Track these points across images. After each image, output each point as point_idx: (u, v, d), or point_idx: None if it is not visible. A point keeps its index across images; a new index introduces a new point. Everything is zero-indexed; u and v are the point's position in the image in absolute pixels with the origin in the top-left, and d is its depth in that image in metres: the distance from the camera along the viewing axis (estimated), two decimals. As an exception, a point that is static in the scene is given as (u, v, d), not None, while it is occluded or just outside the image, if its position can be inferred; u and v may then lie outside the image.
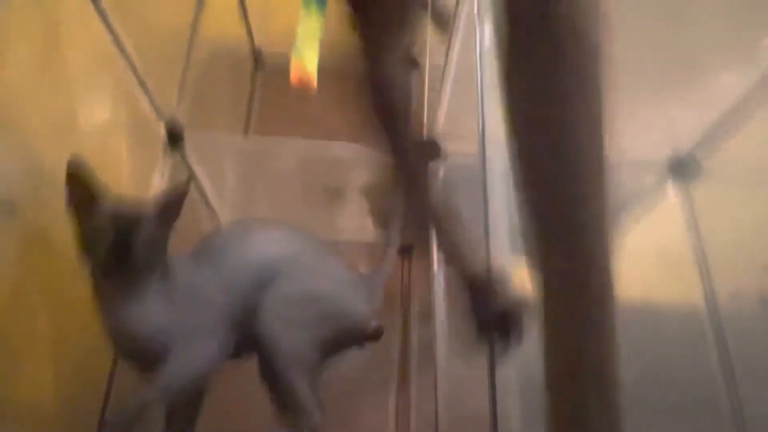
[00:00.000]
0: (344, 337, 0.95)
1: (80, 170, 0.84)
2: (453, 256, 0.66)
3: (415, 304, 1.38)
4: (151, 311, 0.86)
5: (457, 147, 1.38)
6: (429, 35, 1.38)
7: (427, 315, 1.25)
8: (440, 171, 1.39)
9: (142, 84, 1.18)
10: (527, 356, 1.02)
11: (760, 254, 1.15)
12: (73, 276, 1.00)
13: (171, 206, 0.87)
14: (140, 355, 0.90)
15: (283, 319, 0.86)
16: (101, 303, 0.88)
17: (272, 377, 0.88)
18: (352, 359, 1.22)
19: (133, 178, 1.24)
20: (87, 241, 0.84)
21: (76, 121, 1.00)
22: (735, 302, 1.22)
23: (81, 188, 0.85)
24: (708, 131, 1.24)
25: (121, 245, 0.82)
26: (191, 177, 0.92)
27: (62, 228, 0.97)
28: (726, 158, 1.26)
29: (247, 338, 0.89)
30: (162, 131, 1.31)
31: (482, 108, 1.11)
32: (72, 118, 0.99)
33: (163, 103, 1.28)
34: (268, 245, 0.92)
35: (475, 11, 1.03)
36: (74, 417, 1.02)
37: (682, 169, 1.32)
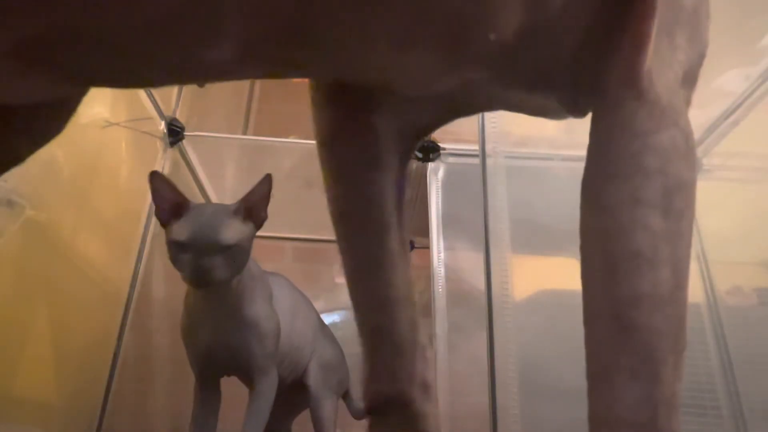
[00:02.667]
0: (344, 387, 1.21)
1: (161, 183, 0.87)
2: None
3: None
4: (262, 312, 0.94)
5: (457, 147, 1.38)
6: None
7: (427, 312, 1.25)
8: (440, 171, 1.40)
9: (142, 83, 1.18)
10: (527, 355, 1.02)
11: (759, 250, 1.16)
12: (73, 272, 1.01)
13: (258, 204, 0.91)
14: (250, 355, 0.94)
15: (326, 383, 1.10)
16: (204, 308, 0.91)
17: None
18: (353, 358, 1.23)
19: (134, 176, 1.24)
20: (175, 253, 0.84)
21: (77, 118, 1.00)
22: (734, 297, 1.23)
23: (166, 201, 0.86)
24: (708, 130, 1.24)
25: (204, 264, 0.83)
26: (270, 176, 0.94)
27: (62, 225, 0.97)
28: (725, 157, 1.26)
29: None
30: (162, 130, 1.31)
31: (482, 107, 1.11)
32: (74, 115, 0.98)
33: (163, 102, 1.28)
34: (311, 315, 1.16)
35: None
36: (76, 413, 1.03)
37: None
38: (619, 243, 0.38)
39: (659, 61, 0.41)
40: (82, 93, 0.40)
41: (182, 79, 0.39)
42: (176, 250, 0.83)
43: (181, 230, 0.84)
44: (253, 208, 0.90)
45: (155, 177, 0.87)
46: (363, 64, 0.41)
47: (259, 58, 0.36)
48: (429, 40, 0.38)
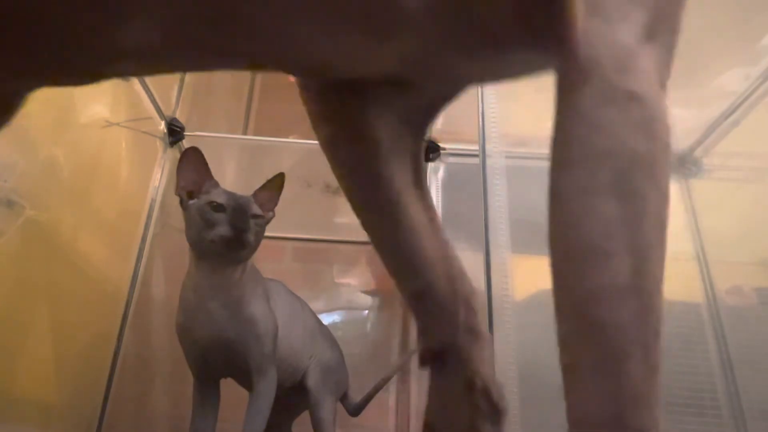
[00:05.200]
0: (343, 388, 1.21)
1: (197, 157, 0.96)
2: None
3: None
4: (259, 312, 0.97)
5: (457, 147, 1.38)
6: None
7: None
8: (440, 171, 1.40)
9: (143, 83, 1.19)
10: (527, 355, 1.02)
11: (758, 250, 1.16)
12: (73, 272, 1.01)
13: (272, 196, 1.03)
14: (240, 340, 0.95)
15: (326, 384, 1.11)
16: (201, 304, 0.93)
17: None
18: (352, 358, 1.23)
19: (134, 176, 1.24)
20: (210, 214, 0.92)
21: (77, 118, 1.00)
22: (734, 297, 1.23)
23: (194, 175, 0.96)
24: (708, 130, 1.24)
25: (241, 224, 0.92)
26: (283, 174, 1.05)
27: (62, 225, 0.97)
28: (725, 156, 1.26)
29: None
30: (162, 130, 1.31)
31: (482, 108, 1.11)
32: (74, 115, 0.99)
33: (163, 102, 1.28)
34: (311, 318, 1.17)
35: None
36: (76, 413, 1.03)
37: (682, 166, 1.32)
38: (571, 235, 0.36)
39: (604, 21, 0.37)
40: (20, 93, 0.39)
41: (110, 65, 0.37)
42: (212, 210, 0.93)
43: (219, 195, 0.95)
44: (264, 203, 1.01)
45: (193, 151, 0.97)
46: (290, 46, 0.40)
47: (186, 42, 0.35)
48: (344, 13, 0.36)
